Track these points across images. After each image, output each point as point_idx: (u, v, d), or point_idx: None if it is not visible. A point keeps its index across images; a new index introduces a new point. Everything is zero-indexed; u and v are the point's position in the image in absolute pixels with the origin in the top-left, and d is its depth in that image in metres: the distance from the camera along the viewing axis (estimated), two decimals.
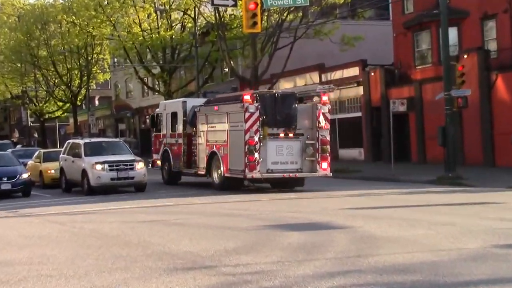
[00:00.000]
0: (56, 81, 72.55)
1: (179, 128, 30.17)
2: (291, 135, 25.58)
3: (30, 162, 34.67)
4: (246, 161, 24.93)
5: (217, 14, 44.18)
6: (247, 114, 24.96)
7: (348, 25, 47.04)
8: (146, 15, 52.98)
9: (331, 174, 26.35)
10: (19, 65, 73.52)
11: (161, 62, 54.05)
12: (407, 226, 14.86)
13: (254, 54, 43.20)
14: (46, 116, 77.92)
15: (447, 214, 17.12)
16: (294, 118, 25.59)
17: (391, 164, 32.21)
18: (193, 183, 30.46)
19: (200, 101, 30.13)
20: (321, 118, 25.55)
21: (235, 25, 48.50)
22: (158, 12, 52.79)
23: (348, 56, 44.46)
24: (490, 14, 36.33)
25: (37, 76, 73.06)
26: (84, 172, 27.66)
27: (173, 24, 53.57)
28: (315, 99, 26.18)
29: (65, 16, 61.07)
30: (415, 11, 40.85)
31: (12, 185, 27.72)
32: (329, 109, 25.90)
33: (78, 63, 68.88)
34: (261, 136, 25.05)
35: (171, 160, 30.75)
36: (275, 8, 38.10)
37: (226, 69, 56.29)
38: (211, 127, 27.51)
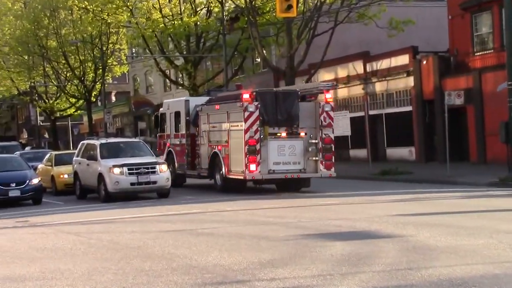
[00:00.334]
0: (67, 75, 73.26)
1: (182, 128, 32.19)
2: (293, 134, 27.36)
3: (40, 166, 35.10)
4: (246, 162, 26.78)
5: None
6: (246, 114, 26.90)
7: (396, 7, 46.80)
8: None
9: (335, 174, 28.23)
10: (26, 58, 74.38)
11: (184, 52, 54.34)
12: (465, 235, 14.82)
13: (290, 42, 43.28)
14: (57, 114, 78.69)
15: (511, 221, 17.02)
16: (296, 117, 27.37)
17: (446, 165, 32.03)
18: (199, 185, 31.71)
19: (203, 99, 32.01)
20: (324, 117, 27.38)
21: (267, 9, 48.61)
22: None
23: (396, 43, 44.29)
24: None
25: (47, 69, 73.83)
26: (100, 177, 27.93)
27: (197, 9, 53.82)
28: (320, 96, 28.06)
29: (76, 1, 61.69)
30: None
31: (21, 191, 28.07)
32: (332, 107, 27.76)
33: (92, 55, 69.46)
34: (262, 136, 26.91)
35: (175, 161, 32.81)
36: None
37: (258, 59, 56.42)
38: (213, 127, 29.57)
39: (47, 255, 14.78)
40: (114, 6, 54.68)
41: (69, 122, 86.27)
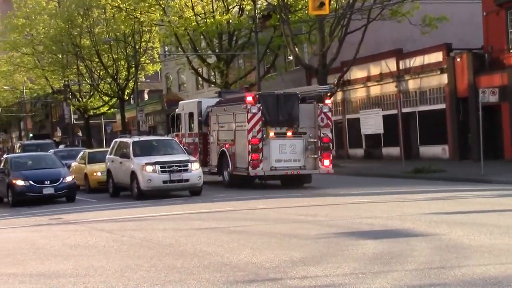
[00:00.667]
0: (101, 73, 73.79)
1: (195, 128, 34.53)
2: (293, 134, 29.45)
3: (74, 164, 35.41)
4: (249, 159, 29.07)
5: None
6: (249, 115, 29.14)
7: (430, 4, 46.51)
8: None
9: (333, 171, 30.56)
10: (60, 56, 75.04)
11: (217, 50, 54.45)
12: (499, 234, 14.70)
13: (322, 40, 43.19)
14: (91, 113, 79.24)
15: None
16: (296, 117, 29.50)
17: (480, 163, 31.76)
18: (210, 181, 32.51)
19: (215, 101, 34.18)
20: (322, 118, 29.46)
21: (300, 7, 48.57)
22: None
23: (430, 40, 44.02)
24: None
25: (80, 68, 74.44)
26: (133, 175, 28.11)
27: (230, 7, 53.89)
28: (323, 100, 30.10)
29: (109, 0, 62.11)
30: None
31: (55, 189, 28.34)
32: (330, 109, 30.04)
33: (125, 53, 69.90)
34: (264, 136, 29.09)
35: None
36: None
37: (290, 57, 56.42)
38: (221, 126, 31.89)
39: (81, 252, 14.92)
40: (147, 4, 54.97)
41: (102, 120, 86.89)
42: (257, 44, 49.22)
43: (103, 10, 68.66)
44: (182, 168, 27.82)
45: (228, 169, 30.92)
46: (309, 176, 30.51)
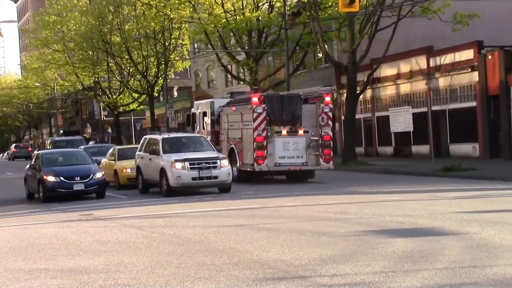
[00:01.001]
0: (130, 70, 74.21)
1: (208, 126, 37.20)
2: (296, 132, 31.50)
3: (104, 160, 35.59)
4: (254, 156, 31.24)
5: None
6: (255, 115, 31.32)
7: (461, 1, 46.06)
8: None
9: (333, 167, 32.47)
10: (90, 53, 75.56)
11: (246, 47, 54.48)
12: None
13: (352, 37, 43.06)
14: (121, 109, 79.75)
15: None
16: (299, 117, 31.49)
17: None
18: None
19: (226, 101, 36.75)
20: (323, 117, 31.47)
21: (330, 4, 48.39)
22: None
23: (461, 37, 43.69)
24: None
25: (110, 65, 74.91)
26: (162, 171, 28.19)
27: (259, 4, 53.87)
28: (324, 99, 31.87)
29: None
30: None
31: (85, 185, 28.48)
32: (330, 109, 32.03)
33: (155, 50, 70.21)
34: (269, 134, 31.20)
35: None
36: None
37: (320, 54, 56.24)
38: (231, 125, 34.19)
39: (111, 248, 15.01)
40: (177, 1, 55.15)
41: (132, 117, 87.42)
42: (286, 41, 49.19)
43: (133, 7, 69.03)
44: (211, 165, 27.83)
45: (237, 165, 32.78)
46: (312, 172, 32.51)
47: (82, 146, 42.89)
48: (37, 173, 29.17)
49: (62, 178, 28.29)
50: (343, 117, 49.40)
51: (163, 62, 67.21)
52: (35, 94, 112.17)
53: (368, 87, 47.81)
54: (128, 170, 32.81)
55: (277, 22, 52.54)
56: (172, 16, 59.79)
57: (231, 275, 11.55)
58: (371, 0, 43.93)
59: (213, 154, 28.87)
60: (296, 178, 32.37)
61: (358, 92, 44.90)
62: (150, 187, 30.28)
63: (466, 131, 43.21)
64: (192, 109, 40.62)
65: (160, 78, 71.08)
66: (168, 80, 72.98)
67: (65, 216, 22.54)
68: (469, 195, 23.32)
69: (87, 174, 28.74)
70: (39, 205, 27.55)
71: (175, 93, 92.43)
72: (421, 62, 46.76)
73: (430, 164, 36.04)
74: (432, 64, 45.94)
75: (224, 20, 52.15)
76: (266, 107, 31.38)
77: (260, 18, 52.72)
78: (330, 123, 31.94)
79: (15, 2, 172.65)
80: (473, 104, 43.03)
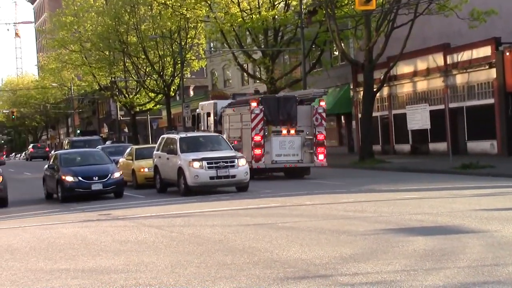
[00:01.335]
0: (147, 69, 74.34)
1: (211, 126, 39.21)
2: (292, 132, 33.63)
3: (121, 160, 35.68)
4: (252, 154, 33.04)
5: None
6: (252, 115, 33.42)
7: None
8: None
9: (327, 164, 34.43)
10: (107, 53, 75.73)
11: (262, 46, 54.44)
12: None
13: (368, 35, 42.93)
14: (137, 109, 79.90)
15: None
16: (295, 117, 33.74)
17: None
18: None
19: (228, 102, 38.88)
20: (317, 117, 33.64)
21: (346, 2, 48.31)
22: None
23: (478, 34, 43.43)
24: None
25: (127, 64, 75.06)
26: (180, 171, 28.19)
27: (275, 3, 53.81)
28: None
29: None
30: None
31: (103, 185, 28.55)
32: (324, 110, 34.23)
33: (171, 49, 70.29)
34: (266, 133, 33.29)
35: None
36: None
37: (336, 53, 56.16)
38: (231, 125, 36.09)
39: (131, 248, 15.02)
40: (193, 1, 55.16)
41: (148, 117, 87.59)
42: (303, 39, 49.10)
43: (149, 7, 69.11)
44: (229, 164, 27.81)
45: None
46: (308, 169, 34.61)
47: (99, 146, 43.00)
48: (56, 173, 29.27)
49: (80, 178, 28.37)
50: (359, 115, 49.26)
51: (179, 62, 67.22)
52: (52, 95, 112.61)
53: (385, 85, 47.67)
54: (146, 170, 32.85)
55: (293, 21, 52.43)
56: (188, 16, 59.78)
57: (252, 274, 11.52)
58: None
59: (231, 153, 28.83)
60: (293, 175, 34.26)
61: (375, 90, 44.77)
62: (168, 187, 30.29)
63: (484, 128, 42.99)
64: (197, 110, 43.21)
65: (177, 78, 71.09)
66: (185, 80, 73.04)
67: (84, 216, 22.59)
68: (488, 193, 23.20)
69: (105, 174, 28.80)
70: (57, 205, 27.64)
71: (192, 92, 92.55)
72: (438, 59, 46.57)
73: (448, 162, 35.89)
74: (449, 61, 45.75)
75: (240, 19, 52.10)
76: (263, 108, 33.46)
77: (276, 16, 52.65)
78: (324, 123, 34.10)
79: (32, 3, 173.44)
80: (491, 101, 42.80)
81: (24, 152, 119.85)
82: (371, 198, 23.05)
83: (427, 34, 48.39)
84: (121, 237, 16.76)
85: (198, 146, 29.65)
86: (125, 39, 71.81)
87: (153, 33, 68.34)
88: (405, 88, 49.95)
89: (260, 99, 34.45)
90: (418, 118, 39.18)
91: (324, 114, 34.19)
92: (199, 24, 64.96)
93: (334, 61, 57.11)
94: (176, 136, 30.19)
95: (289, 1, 53.27)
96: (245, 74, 65.48)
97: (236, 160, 28.03)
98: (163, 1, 60.45)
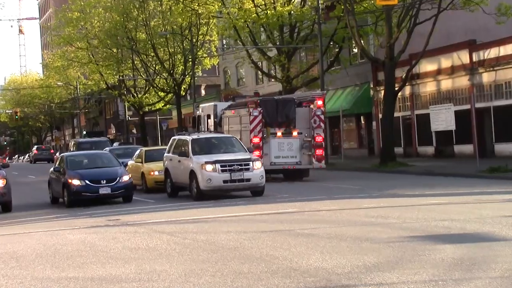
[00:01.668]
0: (156, 68, 74.49)
1: (211, 128, 40.52)
2: (291, 134, 35.18)
3: (130, 163, 35.70)
4: None
5: None
6: (251, 117, 35.13)
7: None
8: None
9: (325, 166, 37.02)
10: (115, 51, 75.92)
11: (277, 43, 54.39)
12: None
13: (389, 31, 42.81)
14: (146, 109, 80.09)
15: None
16: (293, 119, 35.27)
17: None
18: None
19: (227, 104, 40.66)
20: (315, 119, 35.07)
21: None
22: None
23: (505, 30, 43.26)
24: None
25: (135, 62, 75.23)
26: (192, 174, 28.16)
27: None
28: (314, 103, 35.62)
29: None
30: None
31: (111, 189, 28.55)
32: (322, 112, 35.98)
33: (182, 47, 70.37)
34: (265, 135, 34.95)
35: None
36: None
37: (355, 50, 56.07)
38: (231, 127, 37.62)
39: (142, 255, 14.96)
40: None
41: (158, 117, 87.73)
42: (320, 36, 49.02)
43: (159, 2, 69.26)
44: (243, 167, 27.73)
45: None
46: (307, 171, 36.23)
47: (107, 148, 43.06)
48: (62, 177, 29.32)
49: (87, 182, 28.39)
50: (380, 116, 49.12)
51: (190, 59, 67.31)
52: (57, 94, 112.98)
53: (407, 84, 47.52)
54: (156, 173, 32.87)
55: (310, 17, 52.38)
56: (200, 11, 59.89)
57: (271, 284, 11.44)
58: None
59: (245, 155, 28.77)
60: (292, 177, 35.55)
61: (396, 89, 44.64)
62: (179, 191, 30.30)
63: None
64: (197, 112, 45.38)
65: (187, 76, 71.19)
66: (196, 78, 73.05)
67: (91, 222, 22.57)
68: None
69: (114, 177, 28.80)
70: (64, 209, 27.66)
71: (203, 92, 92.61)
72: (463, 56, 46.38)
73: (475, 165, 35.69)
74: (475, 58, 45.56)
75: (255, 14, 52.10)
76: (262, 110, 35.15)
77: (292, 12, 52.61)
78: (322, 125, 35.75)
79: None
80: None
81: (27, 154, 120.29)
82: (394, 203, 22.93)
83: (451, 30, 48.20)
84: (131, 244, 16.70)
85: (211, 148, 29.62)
86: (133, 35, 71.96)
87: (163, 30, 68.44)
88: (429, 87, 49.76)
89: (258, 101, 36.07)
90: (443, 119, 38.99)
91: (322, 116, 35.73)
92: (211, 20, 65.04)
93: (353, 58, 57.04)
94: (188, 138, 30.18)
95: None
96: (259, 72, 65.47)
97: (251, 162, 27.95)
98: None
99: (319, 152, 35.28)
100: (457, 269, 11.89)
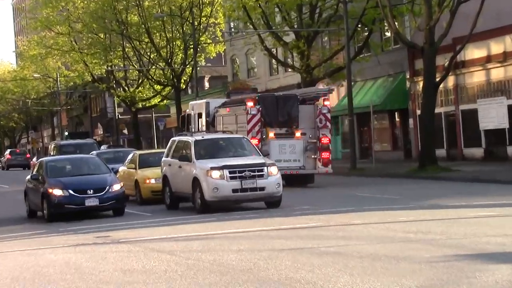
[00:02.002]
0: (151, 56, 74.68)
1: (203, 128, 41.61)
2: (294, 134, 36.17)
3: (122, 169, 35.82)
4: None
5: None
6: (249, 116, 36.08)
7: None
8: None
9: (332, 171, 37.39)
10: (102, 36, 76.20)
11: (295, 26, 54.45)
12: None
13: (429, 11, 42.77)
14: (139, 105, 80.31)
15: None
16: (296, 118, 36.39)
17: None
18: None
19: (221, 102, 42.08)
20: (321, 118, 36.15)
21: None
22: None
23: None
24: None
25: (127, 50, 75.49)
26: (195, 182, 28.20)
27: None
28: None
29: None
30: None
31: (100, 200, 28.56)
32: (329, 110, 36.91)
33: (181, 31, 70.58)
34: (264, 136, 35.97)
35: None
36: None
37: (388, 33, 56.03)
38: (225, 127, 38.26)
39: (138, 279, 15.02)
40: None
41: (153, 115, 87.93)
42: (346, 17, 49.07)
43: None
44: (256, 173, 27.72)
45: None
46: (312, 176, 37.55)
47: (94, 152, 43.13)
48: (41, 186, 29.40)
49: (71, 192, 28.45)
50: (419, 112, 49.10)
51: (191, 46, 67.48)
52: (34, 88, 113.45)
53: (450, 74, 47.45)
54: (152, 181, 32.97)
55: None
56: None
57: None
58: None
59: (259, 159, 28.77)
60: (295, 183, 36.64)
61: (438, 79, 44.59)
62: (180, 202, 30.41)
63: None
64: (187, 110, 46.59)
65: (188, 66, 71.38)
66: (198, 68, 73.28)
67: (76, 239, 22.67)
68: None
69: (102, 187, 28.84)
70: (43, 225, 27.76)
71: (207, 84, 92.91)
72: None
73: None
74: None
75: None
76: (260, 108, 36.24)
77: None
78: (329, 124, 36.90)
79: None
80: None
81: None
82: (437, 216, 22.98)
83: (503, 9, 48.09)
84: (124, 265, 16.77)
85: (217, 151, 29.72)
86: (124, 18, 72.25)
87: (159, 11, 68.61)
88: (476, 78, 49.71)
89: (257, 98, 37.12)
90: (493, 115, 39.11)
91: (329, 115, 36.88)
92: (216, 0, 65.11)
93: (385, 44, 57.02)
94: (190, 139, 30.21)
95: None
96: (274, 61, 65.49)
97: (265, 168, 27.96)
98: None
99: (325, 155, 36.29)
100: None
